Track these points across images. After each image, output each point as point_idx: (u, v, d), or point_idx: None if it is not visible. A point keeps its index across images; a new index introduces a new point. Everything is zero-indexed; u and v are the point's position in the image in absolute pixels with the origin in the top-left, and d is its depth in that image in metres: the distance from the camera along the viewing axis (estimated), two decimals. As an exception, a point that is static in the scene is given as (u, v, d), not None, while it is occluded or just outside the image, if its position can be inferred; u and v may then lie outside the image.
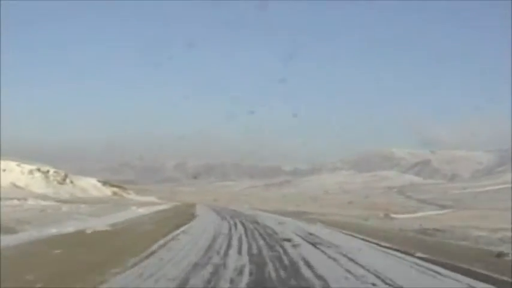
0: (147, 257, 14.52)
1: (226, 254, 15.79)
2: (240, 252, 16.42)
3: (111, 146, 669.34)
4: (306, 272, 12.57)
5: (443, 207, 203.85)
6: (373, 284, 11.13)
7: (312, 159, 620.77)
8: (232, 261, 14.09)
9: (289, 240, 21.25)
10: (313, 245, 19.64)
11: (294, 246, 18.78)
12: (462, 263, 14.98)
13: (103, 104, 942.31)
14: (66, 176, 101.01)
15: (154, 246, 16.89)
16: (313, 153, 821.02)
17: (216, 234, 23.50)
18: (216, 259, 14.37)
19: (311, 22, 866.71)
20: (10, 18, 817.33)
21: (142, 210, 44.90)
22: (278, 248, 18.03)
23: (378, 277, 11.96)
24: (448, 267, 13.89)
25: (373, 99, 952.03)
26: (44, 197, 64.15)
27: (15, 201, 44.35)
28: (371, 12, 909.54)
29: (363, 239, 23.80)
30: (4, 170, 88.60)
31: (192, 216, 40.41)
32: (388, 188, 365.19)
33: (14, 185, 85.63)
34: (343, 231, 29.87)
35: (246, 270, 12.47)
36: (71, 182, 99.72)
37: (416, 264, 14.63)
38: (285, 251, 16.88)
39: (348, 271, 12.86)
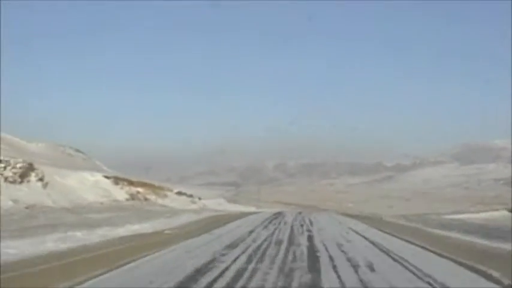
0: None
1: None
2: None
3: (211, 150, 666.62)
4: None
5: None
6: None
7: (413, 154, 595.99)
8: None
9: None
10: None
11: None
12: None
13: (196, 108, 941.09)
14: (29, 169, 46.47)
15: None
16: (414, 148, 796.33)
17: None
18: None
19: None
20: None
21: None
22: None
23: None
24: None
25: (469, 91, 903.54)
26: None
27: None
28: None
29: None
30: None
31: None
32: (494, 180, 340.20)
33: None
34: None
35: None
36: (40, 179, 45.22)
37: None
38: None
39: None
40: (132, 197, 45.11)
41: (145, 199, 47.08)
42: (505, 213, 74.55)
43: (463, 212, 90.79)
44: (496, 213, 73.07)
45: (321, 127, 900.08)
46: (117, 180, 46.64)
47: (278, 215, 42.19)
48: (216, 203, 68.60)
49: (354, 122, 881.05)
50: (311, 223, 30.17)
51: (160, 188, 56.80)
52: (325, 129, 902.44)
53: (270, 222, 30.01)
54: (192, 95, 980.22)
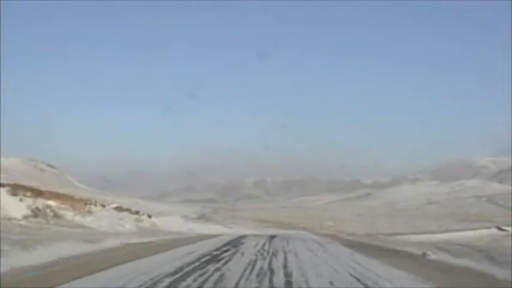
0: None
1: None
2: None
3: (189, 166, 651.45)
4: None
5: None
6: None
7: (391, 172, 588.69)
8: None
9: None
10: None
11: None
12: None
13: (181, 124, 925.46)
14: None
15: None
16: (392, 166, 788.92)
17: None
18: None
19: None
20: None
21: None
22: None
23: None
24: None
25: (448, 108, 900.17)
26: None
27: None
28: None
29: None
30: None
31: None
32: (476, 197, 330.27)
33: None
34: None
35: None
36: None
37: None
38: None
39: None
40: (36, 213, 30.84)
41: (56, 216, 32.78)
42: (494, 231, 72.11)
43: (450, 231, 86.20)
44: (484, 231, 71.15)
45: (299, 144, 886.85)
46: (15, 190, 32.32)
47: (241, 240, 28.71)
48: (175, 223, 54.32)
49: (331, 139, 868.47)
50: (285, 263, 16.37)
51: (84, 202, 42.36)
52: (303, 147, 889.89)
53: (213, 260, 16.55)
54: (170, 110, 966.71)
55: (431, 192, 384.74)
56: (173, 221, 55.08)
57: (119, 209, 49.11)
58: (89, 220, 35.83)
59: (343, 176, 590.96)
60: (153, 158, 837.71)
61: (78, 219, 35.04)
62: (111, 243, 21.26)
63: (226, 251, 19.46)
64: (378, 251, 21.47)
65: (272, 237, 34.68)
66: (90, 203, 42.57)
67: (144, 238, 29.16)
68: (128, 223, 40.84)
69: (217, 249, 19.88)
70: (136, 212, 50.94)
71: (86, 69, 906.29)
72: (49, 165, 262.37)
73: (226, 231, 57.20)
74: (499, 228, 78.42)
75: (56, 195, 38.52)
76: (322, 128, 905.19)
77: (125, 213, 47.44)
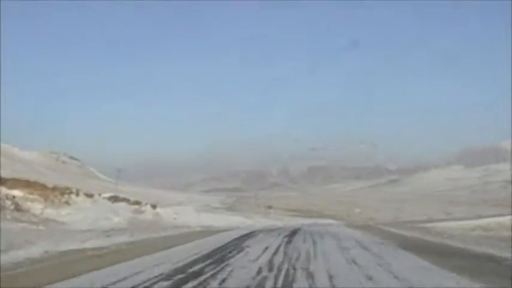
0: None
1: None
2: None
3: (214, 156, 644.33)
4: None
5: None
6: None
7: (415, 158, 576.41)
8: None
9: None
10: None
11: None
12: None
13: (202, 115, 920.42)
14: None
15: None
16: (416, 152, 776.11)
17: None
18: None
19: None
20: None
21: None
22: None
23: None
24: None
25: (472, 93, 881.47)
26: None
27: None
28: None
29: None
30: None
31: None
32: (506, 182, 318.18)
33: None
34: None
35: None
36: None
37: None
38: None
39: None
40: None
41: (18, 209, 24.66)
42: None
43: (484, 216, 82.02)
44: None
45: (321, 132, 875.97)
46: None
47: (248, 240, 20.63)
48: (185, 214, 45.87)
49: (355, 126, 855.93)
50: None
51: (61, 191, 34.14)
52: (327, 134, 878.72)
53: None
54: (195, 102, 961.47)
55: (458, 178, 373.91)
56: (184, 211, 46.94)
57: (115, 199, 41.24)
58: (63, 213, 28.02)
59: (368, 162, 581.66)
60: (177, 150, 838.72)
61: (49, 212, 27.05)
62: (37, 250, 13.15)
63: (206, 266, 11.13)
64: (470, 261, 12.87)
65: (293, 233, 26.48)
66: (70, 192, 34.40)
67: (124, 236, 21.22)
68: (119, 216, 32.86)
69: (193, 263, 11.57)
70: (137, 203, 42.91)
71: (101, 66, 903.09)
72: (71, 157, 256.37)
73: (243, 223, 49.08)
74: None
75: (24, 184, 30.63)
76: (345, 116, 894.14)
77: (122, 204, 39.51)
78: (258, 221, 60.08)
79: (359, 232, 28.28)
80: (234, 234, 24.12)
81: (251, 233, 26.37)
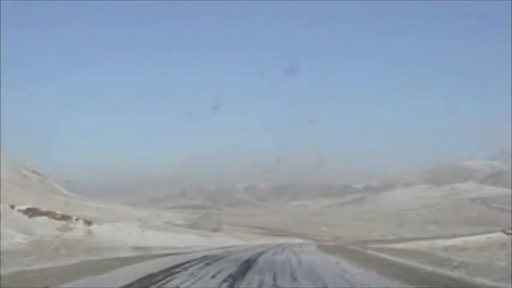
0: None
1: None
2: None
3: (181, 173, 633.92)
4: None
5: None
6: None
7: (382, 176, 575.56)
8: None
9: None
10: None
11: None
12: None
13: (170, 131, 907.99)
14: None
15: None
16: (383, 170, 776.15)
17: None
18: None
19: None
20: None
21: None
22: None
23: None
24: None
25: (438, 113, 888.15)
26: None
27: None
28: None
29: None
30: None
31: None
32: (472, 200, 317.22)
33: None
34: None
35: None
36: None
37: None
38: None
39: None
40: None
41: None
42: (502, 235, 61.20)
43: (459, 235, 75.20)
44: (494, 236, 59.65)
45: (289, 149, 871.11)
46: None
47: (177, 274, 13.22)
48: (126, 232, 37.44)
49: (321, 144, 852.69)
50: None
51: None
52: (293, 152, 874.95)
53: None
54: (162, 115, 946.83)
55: (425, 196, 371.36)
56: (125, 229, 38.95)
57: (33, 212, 33.15)
58: None
59: (335, 180, 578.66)
60: (145, 165, 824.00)
61: None
62: None
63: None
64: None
65: (248, 265, 18.95)
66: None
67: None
68: (31, 234, 24.90)
69: None
70: (65, 218, 34.88)
71: (65, 75, 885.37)
72: (33, 171, 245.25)
73: (196, 243, 41.42)
74: (506, 233, 73.76)
75: None
76: (312, 133, 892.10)
77: (42, 219, 31.53)
78: (215, 241, 52.43)
79: (341, 260, 20.85)
80: (153, 267, 16.56)
81: (184, 264, 18.66)
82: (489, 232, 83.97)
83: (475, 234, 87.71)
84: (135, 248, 26.86)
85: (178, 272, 15.71)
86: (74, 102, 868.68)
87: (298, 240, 75.75)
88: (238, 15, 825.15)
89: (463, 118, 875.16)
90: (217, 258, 23.74)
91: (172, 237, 41.61)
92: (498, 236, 75.57)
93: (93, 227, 35.24)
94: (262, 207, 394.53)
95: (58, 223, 32.08)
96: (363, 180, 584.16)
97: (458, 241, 75.14)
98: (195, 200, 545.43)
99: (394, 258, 23.43)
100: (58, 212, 36.18)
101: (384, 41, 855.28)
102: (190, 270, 16.59)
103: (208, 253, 27.41)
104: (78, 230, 32.55)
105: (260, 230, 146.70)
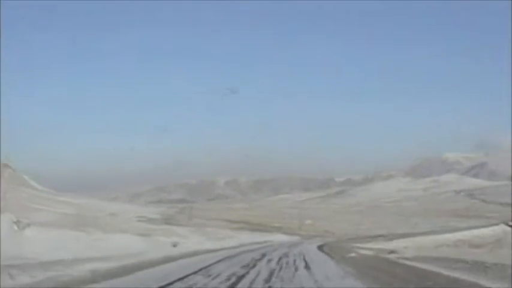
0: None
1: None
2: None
3: (161, 167, 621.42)
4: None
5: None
6: None
7: (362, 169, 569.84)
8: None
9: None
10: None
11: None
12: None
13: (151, 124, 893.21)
14: None
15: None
16: (363, 164, 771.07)
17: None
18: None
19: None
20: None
21: None
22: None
23: None
24: None
25: (418, 106, 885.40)
26: None
27: None
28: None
29: None
30: None
31: None
32: (455, 192, 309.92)
33: None
34: None
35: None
36: None
37: None
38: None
39: None
40: None
41: None
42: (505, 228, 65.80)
43: (458, 229, 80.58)
44: (497, 229, 66.47)
45: (271, 143, 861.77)
46: None
47: None
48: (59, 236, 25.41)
49: (303, 137, 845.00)
50: None
51: None
52: (275, 145, 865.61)
53: None
54: (142, 107, 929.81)
55: (406, 189, 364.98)
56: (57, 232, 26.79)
57: None
58: None
59: (316, 174, 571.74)
60: (126, 159, 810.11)
61: None
62: None
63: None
64: None
65: None
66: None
67: None
68: None
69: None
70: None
71: (46, 63, 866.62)
72: (5, 165, 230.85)
73: (112, 251, 29.09)
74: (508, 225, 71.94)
75: None
76: (294, 126, 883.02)
77: None
78: (186, 242, 40.71)
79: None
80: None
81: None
82: (490, 225, 78.30)
83: (474, 227, 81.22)
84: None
85: None
86: (50, 92, 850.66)
87: (283, 238, 63.73)
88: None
89: (443, 111, 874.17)
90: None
91: (87, 241, 28.60)
92: (501, 228, 68.44)
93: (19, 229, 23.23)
94: (243, 201, 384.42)
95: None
96: (344, 173, 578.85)
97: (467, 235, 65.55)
98: (175, 194, 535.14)
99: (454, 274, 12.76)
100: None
101: (366, 30, 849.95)
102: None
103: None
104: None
105: (241, 225, 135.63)
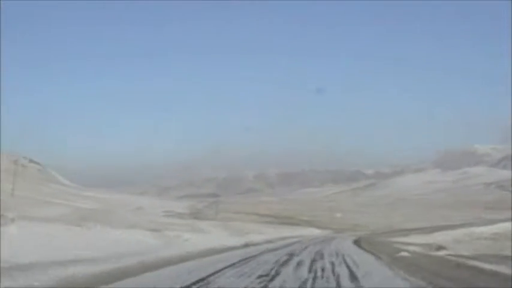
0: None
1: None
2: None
3: (191, 162, 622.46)
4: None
5: None
6: None
7: (391, 162, 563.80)
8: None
9: None
10: None
11: None
12: None
13: (180, 122, 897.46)
14: None
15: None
16: (392, 156, 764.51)
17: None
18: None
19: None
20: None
21: None
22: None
23: None
24: None
25: (447, 98, 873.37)
26: None
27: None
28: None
29: None
30: None
31: None
32: (485, 185, 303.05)
33: None
34: None
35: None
36: None
37: None
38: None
39: None
40: None
41: None
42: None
43: (499, 221, 75.53)
44: None
45: (299, 137, 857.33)
46: None
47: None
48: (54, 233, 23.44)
49: (332, 131, 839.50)
50: None
51: None
52: (303, 139, 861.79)
53: None
54: (169, 106, 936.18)
55: (436, 181, 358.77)
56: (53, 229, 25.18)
57: None
58: None
59: (345, 167, 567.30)
60: (154, 155, 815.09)
61: None
62: None
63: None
64: None
65: None
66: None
67: None
68: None
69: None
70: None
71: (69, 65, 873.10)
72: (31, 160, 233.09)
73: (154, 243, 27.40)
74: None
75: None
76: (323, 121, 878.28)
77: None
78: (212, 238, 39.01)
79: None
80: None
81: None
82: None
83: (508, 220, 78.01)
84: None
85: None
86: (83, 97, 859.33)
87: (315, 232, 61.87)
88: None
89: (471, 102, 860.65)
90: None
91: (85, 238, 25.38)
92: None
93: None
94: (272, 194, 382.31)
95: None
96: (372, 166, 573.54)
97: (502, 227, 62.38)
98: (205, 188, 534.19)
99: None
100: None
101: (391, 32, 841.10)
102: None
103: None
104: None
105: (270, 219, 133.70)
